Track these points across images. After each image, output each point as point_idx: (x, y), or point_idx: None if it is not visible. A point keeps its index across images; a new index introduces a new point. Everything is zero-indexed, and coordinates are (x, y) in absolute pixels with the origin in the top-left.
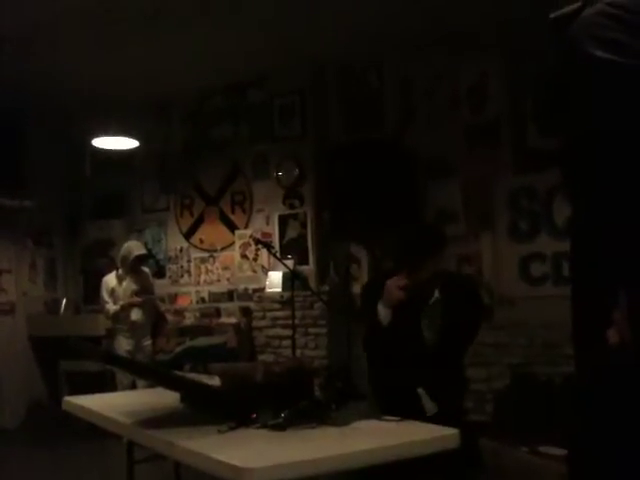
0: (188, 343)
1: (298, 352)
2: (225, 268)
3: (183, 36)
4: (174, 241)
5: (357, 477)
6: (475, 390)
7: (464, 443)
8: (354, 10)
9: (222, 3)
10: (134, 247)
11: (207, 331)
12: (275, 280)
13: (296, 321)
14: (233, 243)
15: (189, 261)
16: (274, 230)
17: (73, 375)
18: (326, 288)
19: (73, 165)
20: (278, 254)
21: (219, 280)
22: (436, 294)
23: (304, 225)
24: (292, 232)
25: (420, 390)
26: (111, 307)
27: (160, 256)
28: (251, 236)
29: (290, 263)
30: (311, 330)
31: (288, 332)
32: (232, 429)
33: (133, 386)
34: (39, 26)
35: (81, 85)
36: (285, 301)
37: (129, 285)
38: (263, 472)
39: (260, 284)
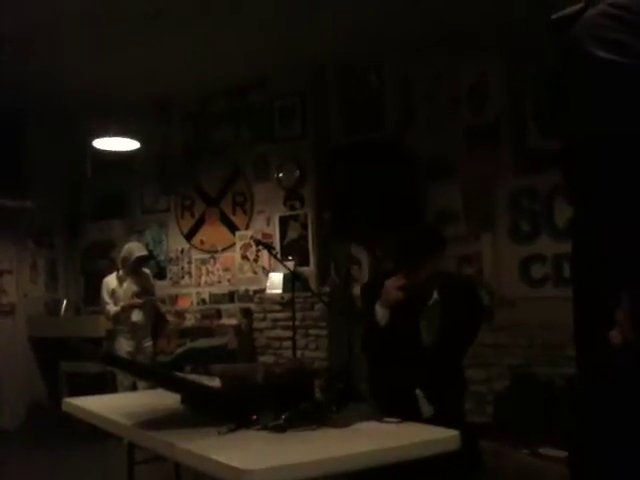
0: (189, 344)
1: (299, 353)
2: (226, 269)
3: (183, 37)
4: (175, 242)
5: (358, 479)
6: (475, 391)
7: (464, 445)
8: (354, 10)
9: (222, 3)
10: (135, 248)
11: (208, 332)
12: (276, 281)
13: (297, 322)
14: (234, 244)
15: (190, 262)
16: (275, 231)
17: (73, 376)
18: (327, 289)
19: (73, 166)
20: (279, 255)
21: (220, 281)
22: (435, 295)
23: (305, 226)
24: (293, 233)
25: (418, 392)
26: (112, 308)
27: (161, 257)
28: (252, 237)
29: (291, 264)
30: (312, 331)
31: (289, 333)
32: (232, 431)
33: (133, 387)
34: (39, 26)
35: (81, 86)
36: (286, 302)
37: (130, 286)
38: (263, 474)
39: (261, 285)
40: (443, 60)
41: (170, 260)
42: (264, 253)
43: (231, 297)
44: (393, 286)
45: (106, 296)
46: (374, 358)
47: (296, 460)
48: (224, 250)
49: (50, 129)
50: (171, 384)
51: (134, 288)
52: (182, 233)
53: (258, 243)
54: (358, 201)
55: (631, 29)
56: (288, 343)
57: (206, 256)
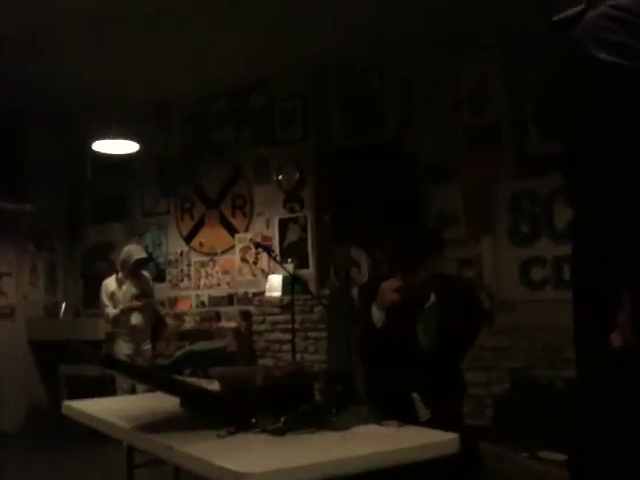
0: (188, 347)
1: (298, 356)
2: (225, 272)
3: (183, 38)
4: (174, 245)
5: None
6: (475, 394)
7: (464, 448)
8: (354, 10)
9: (222, 4)
10: (134, 251)
11: (207, 335)
12: (275, 284)
13: (296, 325)
14: (233, 247)
15: (189, 265)
16: (274, 234)
17: (73, 379)
18: (326, 292)
19: (73, 167)
20: (278, 258)
21: (219, 284)
22: (432, 298)
23: (304, 229)
24: (292, 236)
25: (415, 395)
26: (111, 311)
27: (160, 260)
28: (251, 240)
29: (290, 267)
30: (311, 334)
31: (288, 336)
32: (231, 434)
33: (133, 390)
34: (39, 26)
35: (81, 86)
36: (285, 305)
37: (129, 289)
38: (262, 477)
39: (260, 288)
40: (443, 60)
41: (169, 263)
42: (263, 255)
43: (230, 300)
44: (389, 288)
45: (105, 299)
46: (370, 360)
47: (295, 463)
48: (223, 253)
49: (50, 130)
50: (170, 387)
51: (133, 291)
52: (182, 235)
53: (257, 245)
54: (358, 203)
55: (632, 31)
56: (287, 346)
57: (205, 259)
